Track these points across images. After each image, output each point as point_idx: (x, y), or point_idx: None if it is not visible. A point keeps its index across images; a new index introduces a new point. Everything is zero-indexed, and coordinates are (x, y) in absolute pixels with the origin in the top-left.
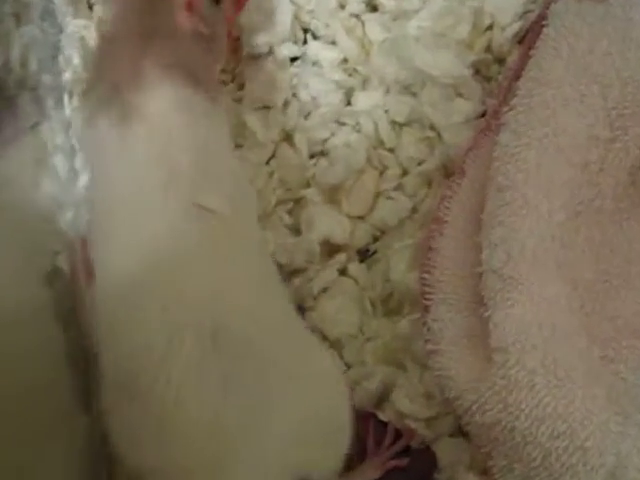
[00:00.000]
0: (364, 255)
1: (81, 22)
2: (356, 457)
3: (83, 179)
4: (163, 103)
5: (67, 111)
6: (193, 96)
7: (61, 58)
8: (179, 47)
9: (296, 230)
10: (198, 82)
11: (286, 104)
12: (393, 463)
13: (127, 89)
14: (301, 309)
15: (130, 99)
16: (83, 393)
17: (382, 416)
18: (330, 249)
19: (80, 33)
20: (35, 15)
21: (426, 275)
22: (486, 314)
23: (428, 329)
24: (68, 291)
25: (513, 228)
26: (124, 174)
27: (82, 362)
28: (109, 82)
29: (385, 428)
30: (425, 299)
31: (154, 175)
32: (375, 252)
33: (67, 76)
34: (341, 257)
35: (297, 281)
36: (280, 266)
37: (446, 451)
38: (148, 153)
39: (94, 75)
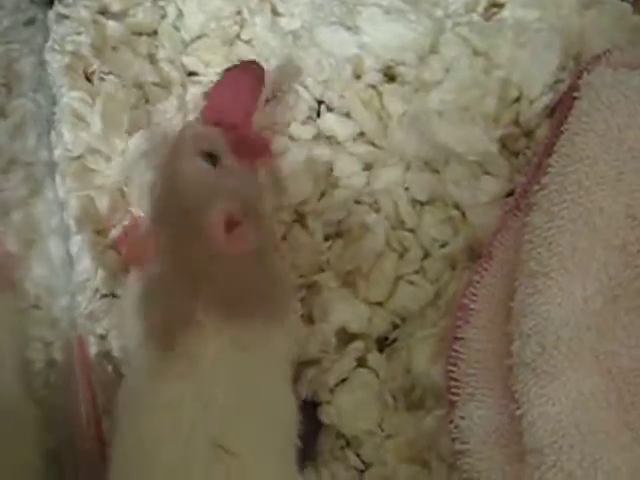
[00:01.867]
0: (383, 344)
1: (77, 94)
2: None
3: (81, 265)
4: (215, 346)
5: (61, 191)
6: (247, 334)
7: (53, 133)
8: (230, 276)
9: (309, 318)
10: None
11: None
12: None
13: (178, 332)
14: (315, 404)
15: (180, 341)
16: None
17: None
18: (347, 338)
19: (74, 106)
20: (28, 87)
21: (452, 367)
22: (518, 412)
23: (455, 427)
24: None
25: (546, 317)
26: (154, 407)
27: None
28: (158, 326)
29: None
30: (451, 394)
31: (188, 410)
32: (395, 341)
33: (58, 153)
34: (359, 346)
35: (311, 372)
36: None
37: None
38: (185, 388)
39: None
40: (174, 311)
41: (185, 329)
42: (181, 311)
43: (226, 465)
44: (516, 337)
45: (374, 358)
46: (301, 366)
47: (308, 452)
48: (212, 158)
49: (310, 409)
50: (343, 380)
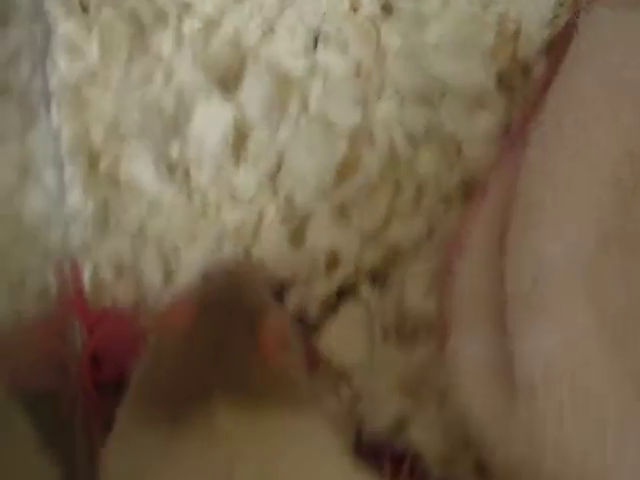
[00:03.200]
0: (374, 279)
1: (73, 24)
2: None
3: (74, 195)
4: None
5: (56, 120)
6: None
7: (49, 63)
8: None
9: (300, 241)
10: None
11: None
12: None
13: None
14: (306, 327)
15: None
16: None
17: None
18: (337, 265)
19: (70, 35)
20: (24, 17)
21: (445, 302)
22: (510, 345)
23: (447, 360)
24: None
25: (540, 253)
26: None
27: None
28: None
29: (402, 459)
30: (444, 327)
31: None
32: (387, 276)
33: (54, 82)
34: (349, 269)
35: (300, 290)
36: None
37: None
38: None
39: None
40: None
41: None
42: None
43: None
44: (509, 272)
45: (365, 291)
46: (289, 285)
47: None
48: None
49: None
50: (333, 310)
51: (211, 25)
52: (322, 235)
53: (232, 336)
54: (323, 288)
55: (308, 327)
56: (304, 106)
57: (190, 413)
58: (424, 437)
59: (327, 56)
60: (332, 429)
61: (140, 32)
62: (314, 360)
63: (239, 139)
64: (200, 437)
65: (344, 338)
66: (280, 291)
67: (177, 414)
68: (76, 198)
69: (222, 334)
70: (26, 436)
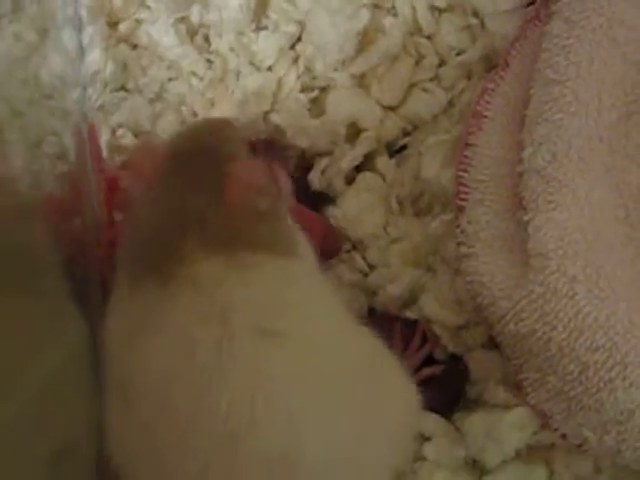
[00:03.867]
0: (393, 151)
1: None
2: None
3: (92, 56)
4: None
5: None
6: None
7: None
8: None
9: (321, 113)
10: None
11: None
12: (426, 372)
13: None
14: (327, 199)
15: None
16: None
17: (410, 315)
18: (357, 135)
19: None
20: None
21: (462, 173)
22: (526, 217)
23: (462, 231)
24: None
25: (560, 126)
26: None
27: None
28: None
29: (413, 330)
30: (460, 199)
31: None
32: (405, 148)
33: None
34: (369, 136)
35: (324, 162)
36: (301, 150)
37: (476, 364)
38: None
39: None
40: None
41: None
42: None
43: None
44: (528, 144)
45: (383, 162)
46: (313, 157)
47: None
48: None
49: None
50: (350, 183)
51: None
52: (342, 105)
53: (199, 181)
54: (346, 160)
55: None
56: None
57: (173, 266)
58: (436, 308)
59: None
60: (320, 273)
61: None
62: (334, 244)
63: (260, 5)
64: (189, 290)
65: (360, 209)
66: (305, 164)
67: (162, 269)
68: (95, 59)
69: (189, 180)
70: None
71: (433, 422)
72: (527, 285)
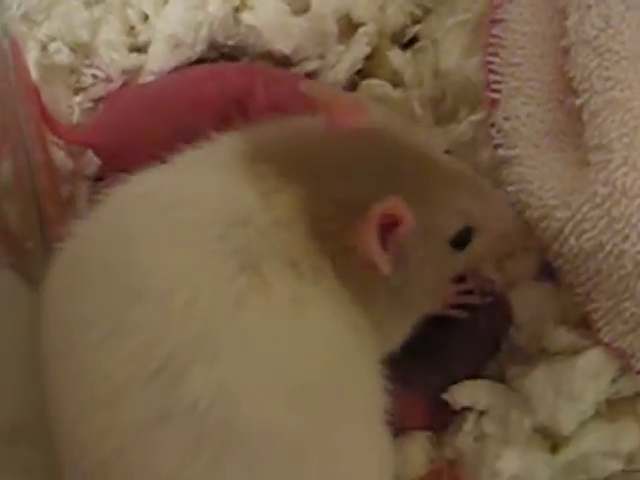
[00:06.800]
0: (400, 46)
1: None
2: None
3: None
4: None
5: None
6: None
7: None
8: None
9: (301, 11)
10: None
11: None
12: (461, 299)
13: None
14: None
15: None
16: None
17: None
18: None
19: None
20: None
21: (492, 58)
22: (578, 102)
23: (498, 130)
24: None
25: None
26: None
27: None
28: None
29: None
30: (492, 90)
31: None
32: (416, 39)
33: None
34: (369, 30)
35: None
36: (284, 57)
37: (526, 301)
38: None
39: None
40: None
41: None
42: None
43: None
44: (573, 10)
45: (396, 56)
46: (300, 65)
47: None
48: None
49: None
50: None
51: None
52: None
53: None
54: (343, 66)
55: None
56: None
57: None
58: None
59: None
60: None
61: None
62: None
63: None
64: None
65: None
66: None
67: None
68: None
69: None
70: None
71: (484, 389)
72: (588, 187)
